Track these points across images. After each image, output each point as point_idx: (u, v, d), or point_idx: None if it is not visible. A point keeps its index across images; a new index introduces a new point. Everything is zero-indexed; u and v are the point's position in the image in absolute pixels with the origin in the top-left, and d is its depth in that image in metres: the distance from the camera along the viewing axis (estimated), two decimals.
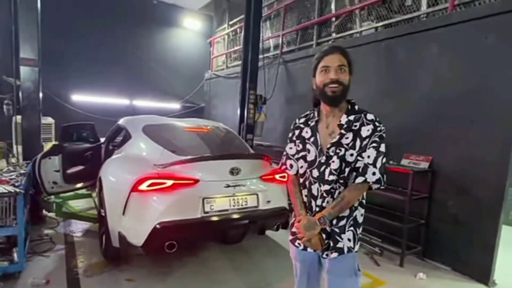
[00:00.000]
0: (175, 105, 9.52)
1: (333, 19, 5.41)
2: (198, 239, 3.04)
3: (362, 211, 1.56)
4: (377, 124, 1.46)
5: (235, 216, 2.84)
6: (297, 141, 1.63)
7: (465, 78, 3.35)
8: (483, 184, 3.16)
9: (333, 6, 5.40)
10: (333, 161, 1.47)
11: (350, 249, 1.49)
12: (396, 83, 4.06)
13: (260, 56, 5.78)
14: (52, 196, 3.90)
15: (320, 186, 1.51)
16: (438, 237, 3.52)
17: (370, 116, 1.48)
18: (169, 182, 2.61)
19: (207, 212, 2.73)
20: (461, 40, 3.39)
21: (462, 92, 3.36)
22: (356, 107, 1.52)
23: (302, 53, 5.85)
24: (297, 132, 1.64)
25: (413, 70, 3.84)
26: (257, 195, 3.01)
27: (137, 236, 2.58)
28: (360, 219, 1.54)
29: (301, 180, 1.62)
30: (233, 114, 6.64)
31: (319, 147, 1.52)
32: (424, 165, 3.57)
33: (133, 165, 2.95)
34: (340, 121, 1.49)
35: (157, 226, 2.53)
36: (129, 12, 8.47)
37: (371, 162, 1.43)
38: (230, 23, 8.72)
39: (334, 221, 1.49)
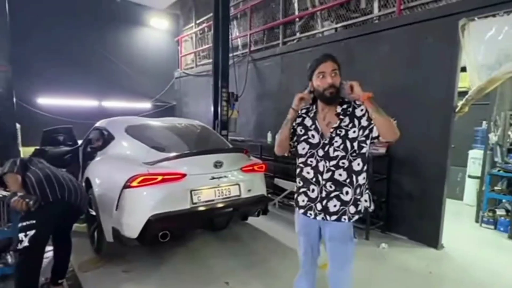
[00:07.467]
0: (146, 105, 9.50)
1: (297, 19, 5.81)
2: (188, 228, 3.33)
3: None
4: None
5: (220, 205, 3.15)
6: (300, 127, 1.93)
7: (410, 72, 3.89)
8: (429, 164, 3.73)
9: (296, 7, 5.79)
10: (336, 141, 1.80)
11: (366, 208, 1.87)
12: (354, 78, 4.51)
13: (230, 55, 6.02)
14: None
15: (325, 162, 1.82)
16: (396, 212, 4.06)
17: (358, 102, 1.82)
18: (159, 178, 2.85)
19: (195, 203, 3.01)
20: (406, 40, 3.91)
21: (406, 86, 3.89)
22: (346, 99, 1.84)
23: (269, 51, 6.18)
24: (299, 120, 1.94)
25: (368, 67, 4.33)
26: (239, 185, 3.33)
27: (132, 229, 2.80)
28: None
29: (303, 159, 1.91)
30: (206, 111, 6.83)
31: (320, 132, 1.85)
32: (382, 150, 4.08)
33: (123, 164, 3.14)
34: (336, 111, 1.82)
35: (151, 218, 2.77)
36: (92, 11, 8.26)
37: None
38: (197, 22, 8.85)
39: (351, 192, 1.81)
